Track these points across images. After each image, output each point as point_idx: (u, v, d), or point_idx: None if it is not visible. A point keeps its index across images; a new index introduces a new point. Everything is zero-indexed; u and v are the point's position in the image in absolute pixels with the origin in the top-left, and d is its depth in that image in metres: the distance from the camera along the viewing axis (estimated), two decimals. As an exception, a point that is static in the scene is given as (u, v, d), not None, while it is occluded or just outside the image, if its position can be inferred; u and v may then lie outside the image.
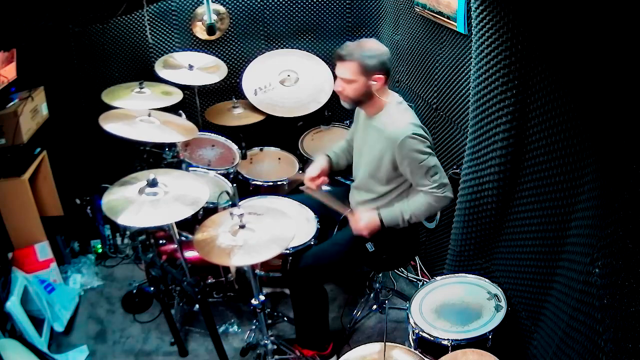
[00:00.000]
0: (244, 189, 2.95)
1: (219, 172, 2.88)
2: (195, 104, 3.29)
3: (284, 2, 3.39)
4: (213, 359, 2.55)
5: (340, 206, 2.50)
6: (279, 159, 3.23)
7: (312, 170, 2.56)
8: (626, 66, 1.37)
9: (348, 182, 2.74)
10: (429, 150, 2.24)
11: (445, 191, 2.27)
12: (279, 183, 2.98)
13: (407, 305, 2.15)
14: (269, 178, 3.02)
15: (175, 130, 2.41)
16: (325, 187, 3.10)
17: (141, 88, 2.71)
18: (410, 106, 2.47)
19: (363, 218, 2.36)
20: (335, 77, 2.35)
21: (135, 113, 2.41)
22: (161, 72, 2.99)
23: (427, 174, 2.24)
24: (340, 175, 3.19)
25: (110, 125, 2.27)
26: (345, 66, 2.23)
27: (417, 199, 2.31)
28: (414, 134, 2.20)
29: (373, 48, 2.23)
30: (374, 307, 2.92)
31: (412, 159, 2.22)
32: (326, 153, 2.67)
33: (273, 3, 3.38)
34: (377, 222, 2.35)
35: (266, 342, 2.35)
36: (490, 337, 1.95)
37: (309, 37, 3.52)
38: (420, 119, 2.95)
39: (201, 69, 3.11)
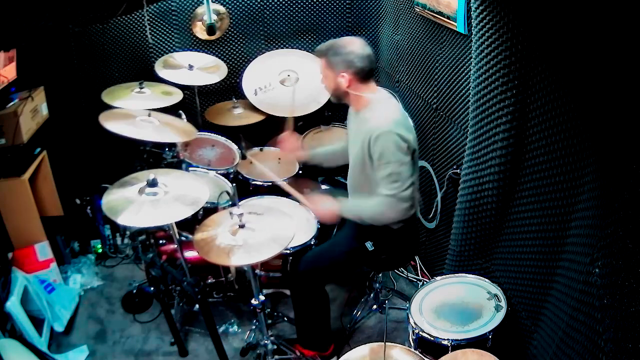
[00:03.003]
0: (244, 189, 2.95)
1: (219, 172, 2.88)
2: (195, 104, 3.29)
3: (284, 2, 3.39)
4: (213, 359, 2.55)
5: (296, 192, 2.48)
6: (279, 159, 3.23)
7: (290, 141, 2.69)
8: (626, 66, 1.37)
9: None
10: (401, 156, 2.14)
11: (402, 204, 2.16)
12: (279, 183, 2.98)
13: (407, 305, 2.15)
14: (268, 178, 3.01)
15: (173, 132, 2.41)
16: (324, 187, 3.11)
17: (141, 88, 2.71)
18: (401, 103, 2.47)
19: (324, 206, 2.37)
20: None
21: (135, 113, 2.40)
22: (161, 72, 2.99)
23: (389, 177, 2.15)
24: (340, 175, 3.20)
25: (111, 124, 2.27)
26: (318, 61, 2.32)
27: (374, 203, 2.23)
28: (395, 133, 2.14)
29: (342, 46, 2.23)
30: (374, 307, 2.92)
31: (380, 156, 2.15)
32: (310, 153, 2.72)
33: (273, 3, 3.38)
34: (336, 214, 2.34)
35: (266, 342, 2.36)
36: (490, 337, 1.95)
37: (309, 37, 3.52)
38: (420, 119, 2.96)
39: (201, 69, 3.11)
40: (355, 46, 2.24)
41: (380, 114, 2.25)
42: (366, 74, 2.27)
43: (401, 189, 2.15)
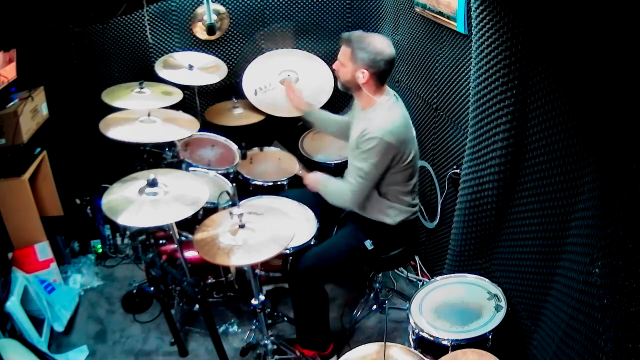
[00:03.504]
0: (244, 189, 2.95)
1: (219, 172, 2.88)
2: (195, 104, 3.29)
3: (284, 2, 3.39)
4: (213, 359, 2.55)
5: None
6: (279, 159, 3.23)
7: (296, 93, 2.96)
8: (626, 66, 1.37)
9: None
10: (379, 160, 2.23)
11: (353, 197, 2.34)
12: (279, 183, 2.98)
13: (407, 305, 2.16)
14: (269, 178, 3.02)
15: (177, 126, 2.41)
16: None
17: (141, 88, 2.71)
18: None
19: (312, 176, 2.62)
20: (335, 74, 2.41)
21: (135, 114, 2.41)
22: (161, 72, 2.99)
23: (359, 171, 2.27)
24: (339, 176, 3.19)
25: (112, 130, 2.27)
26: (342, 49, 2.32)
27: (340, 185, 2.42)
28: (385, 141, 2.20)
29: (372, 43, 2.24)
30: (374, 307, 2.92)
31: (362, 152, 2.25)
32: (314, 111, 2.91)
33: (273, 3, 3.38)
34: (317, 185, 2.56)
35: (266, 342, 2.36)
36: (490, 337, 1.95)
37: (309, 37, 3.52)
38: (420, 119, 2.96)
39: (201, 69, 3.11)
40: (384, 46, 2.26)
41: (381, 118, 2.27)
42: (385, 76, 2.30)
43: (359, 188, 2.31)
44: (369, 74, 2.25)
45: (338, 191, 2.43)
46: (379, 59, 2.22)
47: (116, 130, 2.29)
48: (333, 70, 2.48)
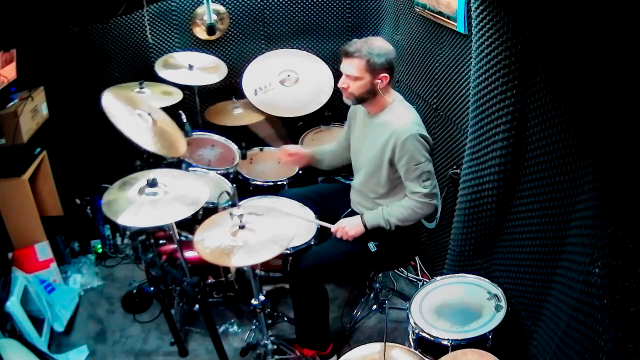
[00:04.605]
0: (244, 189, 2.95)
1: (219, 172, 2.88)
2: (195, 104, 3.29)
3: (284, 2, 3.39)
4: (213, 359, 2.55)
5: (325, 224, 2.50)
6: (279, 159, 3.23)
7: (291, 147, 2.69)
8: (626, 66, 1.37)
9: (348, 182, 2.74)
10: (427, 155, 2.27)
11: (433, 200, 2.29)
12: (279, 183, 2.98)
13: (407, 305, 2.15)
14: (269, 178, 3.02)
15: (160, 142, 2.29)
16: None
17: (141, 88, 2.71)
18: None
19: (347, 225, 2.39)
20: (334, 74, 2.36)
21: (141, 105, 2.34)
22: (161, 72, 2.99)
23: (420, 178, 2.25)
24: (339, 175, 3.20)
25: (110, 104, 2.13)
26: (352, 63, 2.24)
27: (401, 204, 2.33)
28: (419, 135, 2.22)
29: (381, 46, 2.25)
30: (374, 307, 2.92)
31: (410, 159, 2.23)
32: (314, 149, 2.75)
33: (273, 3, 3.38)
34: (362, 228, 2.38)
35: (266, 342, 2.36)
36: (490, 337, 1.95)
37: (309, 37, 3.52)
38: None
39: (201, 69, 3.11)
40: (388, 44, 2.27)
41: (401, 116, 2.28)
42: (394, 74, 2.31)
43: (432, 186, 2.27)
44: (388, 76, 2.25)
45: (410, 210, 2.29)
46: (391, 58, 2.24)
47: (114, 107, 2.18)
48: (341, 89, 2.35)
